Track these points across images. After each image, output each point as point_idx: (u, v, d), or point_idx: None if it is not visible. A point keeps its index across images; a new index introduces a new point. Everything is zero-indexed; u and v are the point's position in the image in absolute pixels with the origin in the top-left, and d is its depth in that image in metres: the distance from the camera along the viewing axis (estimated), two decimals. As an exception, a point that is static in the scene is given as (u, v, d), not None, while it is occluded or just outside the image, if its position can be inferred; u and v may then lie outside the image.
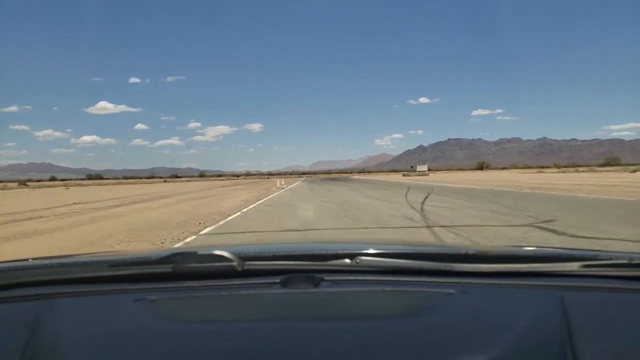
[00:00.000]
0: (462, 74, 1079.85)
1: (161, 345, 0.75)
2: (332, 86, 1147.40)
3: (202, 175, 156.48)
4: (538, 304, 0.83)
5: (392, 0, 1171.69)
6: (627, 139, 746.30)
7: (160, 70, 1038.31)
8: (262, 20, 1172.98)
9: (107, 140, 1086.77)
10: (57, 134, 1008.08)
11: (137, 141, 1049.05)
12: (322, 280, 0.91)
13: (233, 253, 0.95)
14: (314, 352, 0.71)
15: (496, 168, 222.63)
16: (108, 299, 0.91)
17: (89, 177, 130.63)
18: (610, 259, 0.96)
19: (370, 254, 0.99)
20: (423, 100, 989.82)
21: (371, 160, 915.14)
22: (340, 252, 1.01)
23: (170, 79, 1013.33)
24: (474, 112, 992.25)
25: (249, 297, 0.89)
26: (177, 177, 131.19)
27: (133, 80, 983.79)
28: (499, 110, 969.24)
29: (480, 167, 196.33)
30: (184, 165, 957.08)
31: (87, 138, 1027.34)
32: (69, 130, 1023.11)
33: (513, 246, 1.29)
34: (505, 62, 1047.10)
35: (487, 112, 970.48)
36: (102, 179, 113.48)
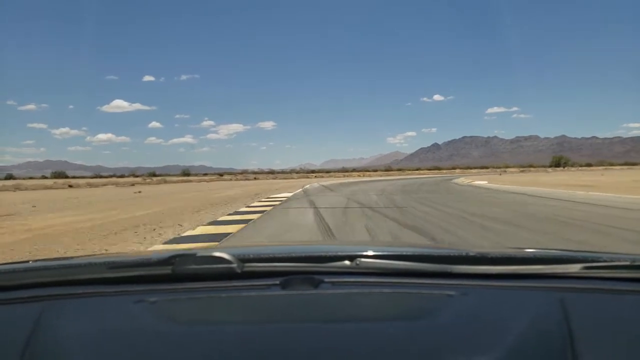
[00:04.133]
0: (476, 71, 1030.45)
1: (161, 347, 0.75)
2: (345, 84, 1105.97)
3: (186, 174, 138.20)
4: (538, 306, 0.82)
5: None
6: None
7: (175, 69, 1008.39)
8: (275, 19, 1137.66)
9: (122, 138, 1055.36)
10: (74, 132, 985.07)
11: (152, 139, 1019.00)
12: (322, 282, 0.90)
13: (232, 255, 0.95)
14: (314, 353, 0.71)
15: (579, 165, 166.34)
16: (108, 300, 0.91)
17: (54, 176, 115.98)
18: (611, 260, 0.95)
19: (370, 256, 0.99)
20: (437, 98, 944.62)
21: (384, 159, 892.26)
22: (340, 254, 1.01)
23: (184, 77, 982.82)
24: (489, 110, 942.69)
25: (249, 298, 0.89)
26: (154, 175, 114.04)
27: (147, 78, 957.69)
28: (514, 108, 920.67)
29: (557, 164, 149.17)
30: (197, 163, 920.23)
31: (102, 136, 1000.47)
32: (84, 128, 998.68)
33: (513, 248, 1.30)
34: (521, 59, 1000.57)
35: (502, 109, 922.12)
36: (66, 177, 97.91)
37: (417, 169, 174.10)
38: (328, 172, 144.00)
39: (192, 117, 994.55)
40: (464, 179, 40.55)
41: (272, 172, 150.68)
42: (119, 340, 0.77)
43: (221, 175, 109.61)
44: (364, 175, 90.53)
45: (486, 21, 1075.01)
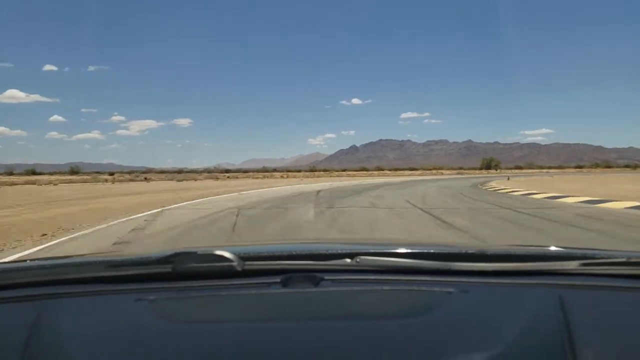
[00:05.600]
0: (392, 77, 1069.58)
1: (161, 345, 0.74)
2: (266, 85, 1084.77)
3: (75, 172, 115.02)
4: (537, 303, 0.83)
5: (326, 1, 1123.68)
6: (542, 143, 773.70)
7: (81, 59, 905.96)
8: (193, 12, 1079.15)
9: (17, 132, 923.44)
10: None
11: (53, 134, 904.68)
12: (322, 279, 0.90)
13: (233, 253, 0.95)
14: (314, 351, 0.71)
15: (507, 168, 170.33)
16: (108, 299, 0.91)
17: None
18: (609, 257, 0.96)
19: (370, 254, 0.99)
20: (355, 101, 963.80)
21: (304, 160, 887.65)
22: (340, 251, 1.01)
23: (91, 68, 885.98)
24: (403, 115, 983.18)
25: (249, 296, 0.88)
26: (34, 173, 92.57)
27: (48, 67, 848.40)
28: (426, 114, 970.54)
29: (488, 166, 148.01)
30: (105, 161, 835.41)
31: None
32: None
33: (512, 245, 1.30)
34: (431, 67, 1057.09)
35: (415, 114, 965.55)
36: None
37: (343, 170, 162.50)
38: (246, 172, 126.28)
39: (100, 112, 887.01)
40: (495, 184, 26.55)
41: (179, 171, 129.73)
42: (119, 339, 0.77)
43: (112, 174, 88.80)
44: (287, 177, 74.20)
45: (399, 29, 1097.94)
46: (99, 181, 53.12)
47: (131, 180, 56.22)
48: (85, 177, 73.16)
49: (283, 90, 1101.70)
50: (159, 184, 40.57)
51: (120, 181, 53.95)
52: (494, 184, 27.22)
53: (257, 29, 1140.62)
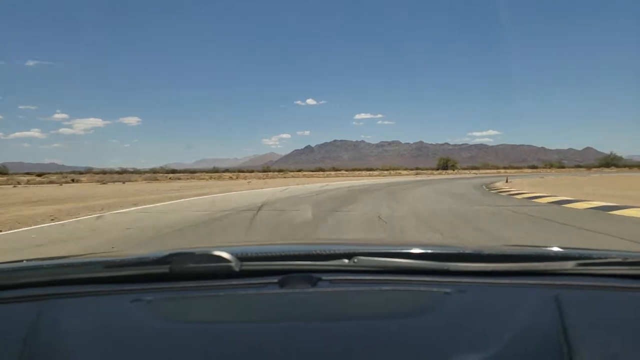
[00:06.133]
0: (346, 78, 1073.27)
1: (158, 346, 0.74)
2: (219, 83, 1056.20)
3: (1, 172, 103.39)
4: (534, 303, 0.83)
5: (280, 3, 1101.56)
6: (489, 144, 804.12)
7: (19, 52, 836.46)
8: (145, 12, 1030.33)
9: None
10: None
11: None
12: (320, 280, 0.91)
13: (230, 253, 0.95)
14: (312, 352, 0.71)
15: (465, 168, 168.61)
16: (105, 299, 0.91)
17: None
18: (605, 257, 0.97)
19: (367, 254, 0.99)
20: (310, 102, 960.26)
21: (259, 160, 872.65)
22: (338, 252, 1.01)
23: (30, 63, 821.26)
24: (357, 116, 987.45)
25: (247, 297, 0.89)
26: None
27: None
28: (379, 115, 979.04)
29: (444, 166, 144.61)
30: (47, 161, 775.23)
31: None
32: None
33: (509, 245, 1.31)
34: (384, 69, 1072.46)
35: (369, 115, 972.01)
36: None
37: (299, 170, 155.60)
38: (193, 172, 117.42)
39: (40, 109, 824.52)
40: (514, 188, 19.79)
41: (122, 172, 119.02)
42: (116, 340, 0.77)
43: (40, 175, 78.72)
44: (237, 178, 67.46)
45: (354, 30, 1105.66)
46: (10, 184, 44.95)
47: (52, 182, 48.10)
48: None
49: (238, 90, 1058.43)
50: (64, 189, 32.42)
51: (40, 183, 45.96)
52: (513, 188, 21.19)
53: (209, 28, 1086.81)
